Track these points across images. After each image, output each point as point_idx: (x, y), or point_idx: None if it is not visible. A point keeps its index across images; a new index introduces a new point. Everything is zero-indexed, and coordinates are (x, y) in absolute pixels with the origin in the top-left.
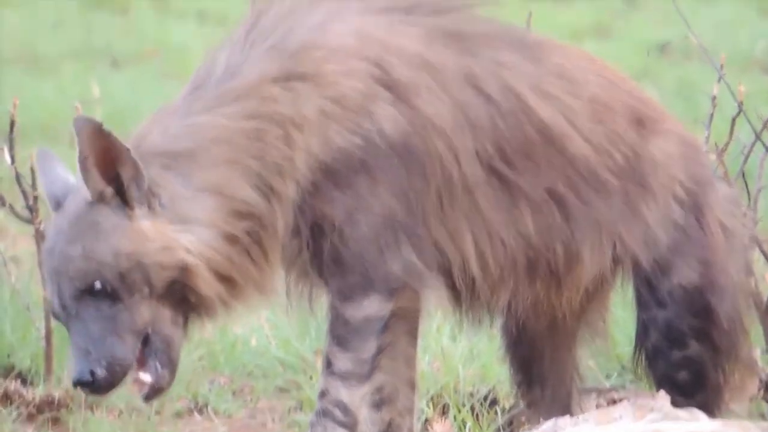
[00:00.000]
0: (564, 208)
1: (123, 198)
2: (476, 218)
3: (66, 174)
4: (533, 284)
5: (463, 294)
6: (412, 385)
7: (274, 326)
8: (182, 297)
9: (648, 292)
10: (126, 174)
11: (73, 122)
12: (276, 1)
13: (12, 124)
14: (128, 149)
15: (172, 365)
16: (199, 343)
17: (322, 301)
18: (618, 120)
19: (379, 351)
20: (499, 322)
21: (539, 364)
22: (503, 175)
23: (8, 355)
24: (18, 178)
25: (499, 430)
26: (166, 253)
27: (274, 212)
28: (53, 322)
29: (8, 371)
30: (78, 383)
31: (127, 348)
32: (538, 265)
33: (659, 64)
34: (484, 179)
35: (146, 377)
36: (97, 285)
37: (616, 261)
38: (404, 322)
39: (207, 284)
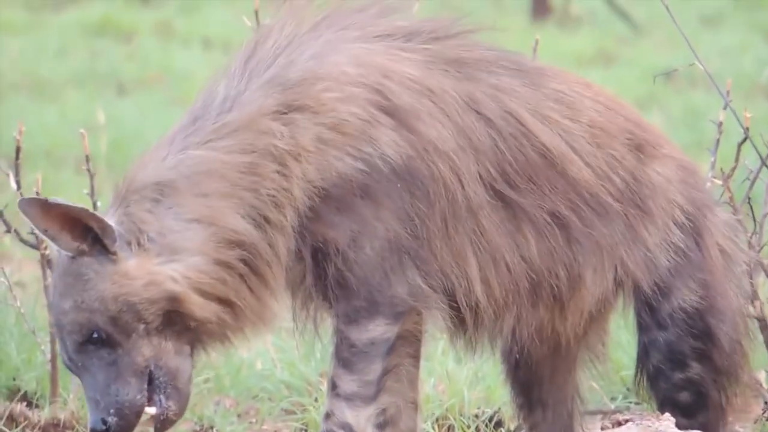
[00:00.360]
0: (567, 231)
1: (102, 244)
2: (480, 241)
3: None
4: (536, 309)
5: (468, 318)
6: (415, 406)
7: (279, 349)
8: (183, 326)
9: (648, 315)
10: (95, 227)
11: (18, 206)
12: (274, 30)
13: (17, 150)
14: (84, 209)
15: (179, 395)
16: (204, 366)
17: (328, 323)
18: (616, 145)
19: (385, 373)
20: (500, 347)
21: (539, 387)
22: (507, 198)
23: (14, 378)
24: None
25: None
26: (152, 288)
27: (271, 241)
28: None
29: (14, 394)
30: (94, 429)
31: (133, 390)
32: (541, 289)
33: (665, 91)
34: (487, 202)
35: (151, 410)
36: (95, 335)
37: (617, 284)
38: (408, 344)
39: (201, 308)
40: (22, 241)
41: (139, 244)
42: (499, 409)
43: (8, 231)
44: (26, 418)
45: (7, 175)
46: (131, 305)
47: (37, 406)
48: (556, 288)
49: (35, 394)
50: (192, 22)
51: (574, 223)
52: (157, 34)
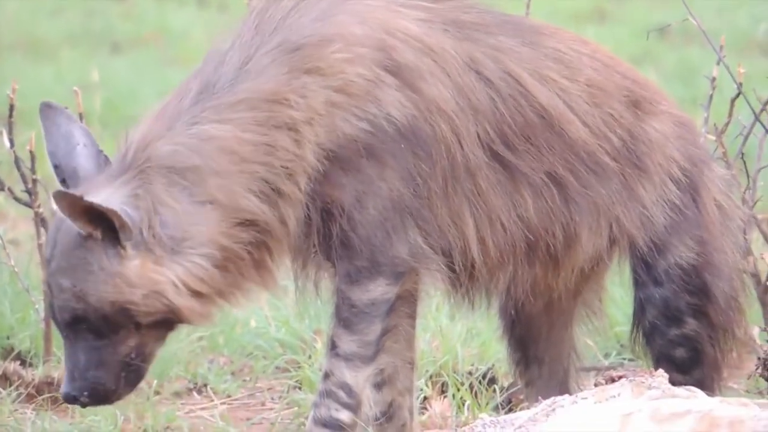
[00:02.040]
0: (563, 191)
1: (115, 233)
2: (477, 202)
3: (72, 136)
4: (532, 267)
5: (462, 277)
6: (412, 366)
7: (273, 307)
8: (175, 323)
9: (645, 271)
10: (116, 223)
11: (53, 196)
12: None
13: (11, 108)
14: (114, 210)
15: (139, 377)
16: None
17: (327, 284)
18: (614, 103)
19: (384, 333)
20: (496, 304)
21: (536, 343)
22: (504, 159)
23: (8, 337)
24: (17, 161)
25: (497, 408)
26: (151, 299)
27: (283, 216)
28: None
29: (7, 353)
30: (65, 400)
31: (110, 379)
32: (538, 248)
33: (659, 47)
34: (485, 163)
35: None
36: (81, 324)
37: (613, 241)
38: (406, 305)
39: (199, 314)
40: (16, 199)
41: (150, 228)
42: (493, 365)
43: (2, 189)
44: (20, 376)
45: (1, 133)
46: (127, 312)
47: (30, 364)
48: (552, 246)
49: (29, 352)
50: None
51: (570, 182)
52: None
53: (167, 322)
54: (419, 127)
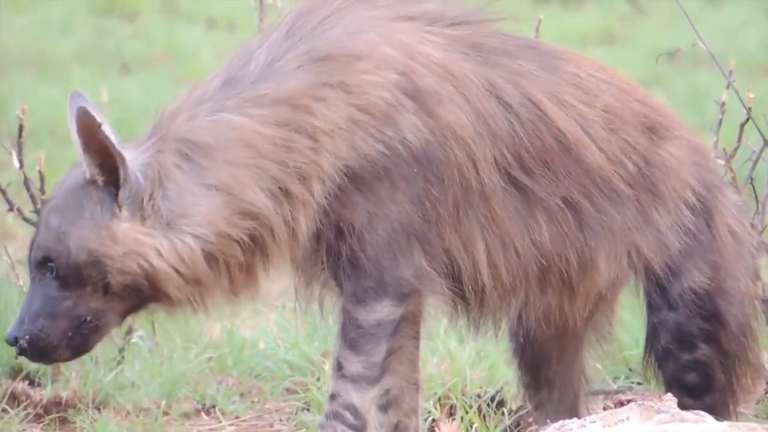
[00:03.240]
0: (579, 216)
1: (116, 189)
2: (491, 226)
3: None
4: (544, 293)
5: (472, 302)
6: (416, 387)
7: (282, 329)
8: (145, 295)
9: (659, 295)
10: (120, 174)
11: (76, 111)
12: (316, 3)
13: (20, 128)
14: (122, 155)
15: (82, 348)
16: (207, 345)
17: (331, 304)
18: (630, 129)
19: (389, 354)
20: (506, 327)
21: (547, 366)
22: (521, 183)
23: (16, 357)
24: (26, 182)
25: (506, 431)
26: (129, 259)
27: (288, 217)
28: None
29: (16, 372)
30: (6, 341)
31: (56, 334)
32: (551, 273)
33: (668, 71)
34: (501, 187)
35: None
36: (50, 265)
37: (630, 267)
38: (410, 326)
39: (177, 288)
40: (25, 219)
41: (151, 198)
42: (502, 388)
43: (11, 209)
44: (28, 396)
45: (10, 153)
46: (101, 266)
47: (39, 384)
48: (566, 273)
49: (37, 372)
50: (196, 0)
51: (586, 208)
52: (161, 13)
53: (136, 293)
54: (432, 152)
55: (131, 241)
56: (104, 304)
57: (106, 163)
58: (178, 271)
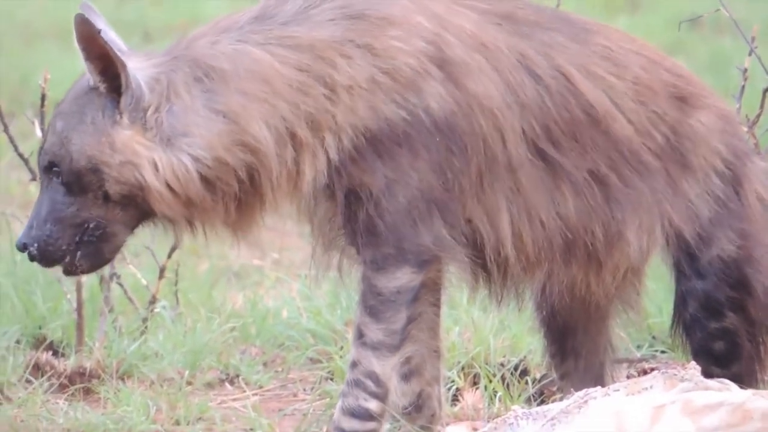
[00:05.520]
0: (605, 189)
1: (119, 97)
2: (516, 198)
3: (109, 33)
4: (569, 266)
5: (494, 274)
6: (438, 355)
7: (305, 298)
8: (143, 208)
9: (688, 264)
10: (122, 81)
11: (74, 18)
12: None
13: (43, 97)
14: (122, 61)
15: (97, 259)
16: (230, 315)
17: (352, 271)
18: (659, 100)
19: (410, 321)
20: (531, 297)
21: (573, 336)
22: (548, 156)
23: (40, 327)
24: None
25: (529, 400)
26: (125, 169)
27: (287, 160)
28: (84, 294)
29: (40, 342)
30: (17, 248)
31: (63, 240)
32: (576, 247)
33: (691, 38)
34: (528, 159)
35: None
36: (56, 170)
37: (661, 238)
38: (430, 293)
39: (167, 206)
40: None
41: (156, 111)
42: (525, 357)
43: (34, 179)
44: (52, 366)
45: (33, 123)
46: (99, 173)
47: (62, 354)
48: (591, 246)
49: (61, 342)
50: None
51: (613, 181)
52: None
53: (136, 204)
54: (457, 123)
55: (129, 150)
56: (106, 213)
57: (109, 70)
58: (170, 189)
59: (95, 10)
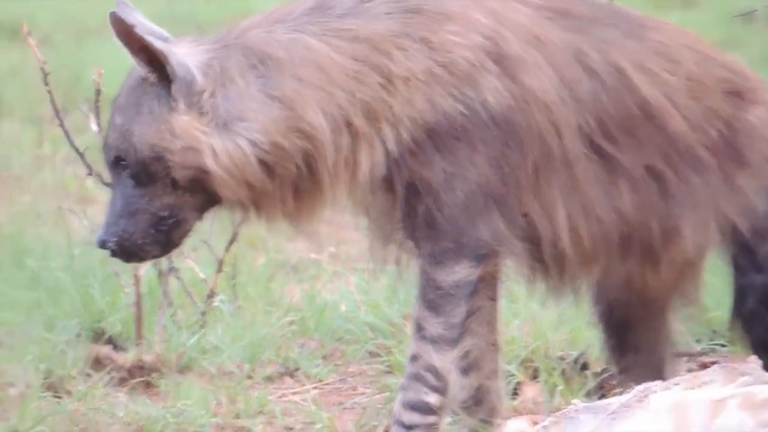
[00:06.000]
0: (661, 185)
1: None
2: (572, 193)
3: (148, 25)
4: (625, 261)
5: (551, 268)
6: (496, 348)
7: (363, 291)
8: (209, 192)
9: (746, 258)
10: (168, 69)
11: (109, 18)
12: None
13: (98, 92)
14: (161, 50)
15: (168, 243)
16: (288, 309)
17: (411, 265)
18: (714, 96)
19: (469, 315)
20: (587, 294)
21: (632, 330)
22: (604, 151)
23: (99, 321)
24: (103, 141)
25: (589, 394)
26: (188, 154)
27: (343, 148)
28: (143, 288)
29: (99, 336)
30: (97, 246)
31: (139, 232)
32: (632, 242)
33: (744, 33)
34: (584, 154)
35: None
36: (123, 163)
37: (717, 233)
38: (488, 287)
39: (230, 190)
40: (104, 183)
41: (212, 96)
42: (585, 351)
43: (90, 173)
44: (111, 360)
45: (88, 117)
46: (164, 161)
47: (122, 348)
48: (647, 241)
49: (120, 336)
50: None
51: (669, 177)
52: None
53: (203, 188)
54: (513, 117)
55: (189, 135)
56: (176, 199)
57: (155, 59)
58: (229, 173)
59: (129, 5)
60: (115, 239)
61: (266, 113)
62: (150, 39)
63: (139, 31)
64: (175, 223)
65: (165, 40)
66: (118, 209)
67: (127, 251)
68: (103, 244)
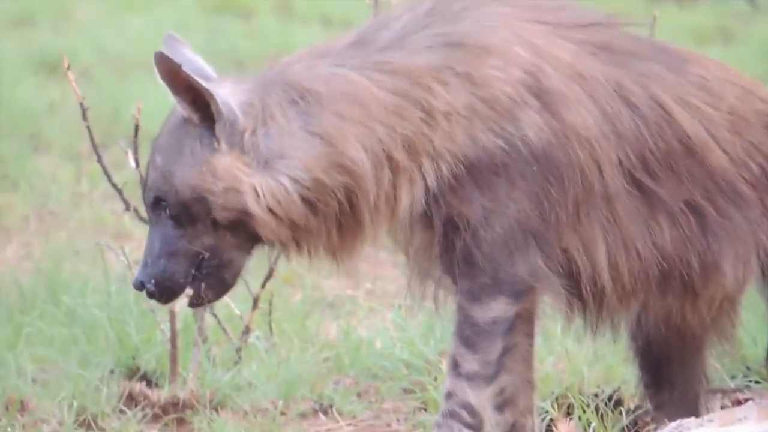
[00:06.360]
0: (701, 219)
1: (214, 125)
2: (613, 228)
3: (197, 61)
4: (665, 297)
5: (590, 304)
6: (531, 385)
7: (398, 328)
8: (251, 232)
9: None
10: (213, 109)
11: (154, 57)
12: None
13: (136, 128)
14: (208, 90)
15: (220, 286)
16: (323, 345)
17: (447, 301)
18: (755, 130)
19: (505, 352)
20: (626, 327)
21: (668, 366)
22: (644, 186)
23: (133, 357)
24: (143, 181)
25: (623, 430)
26: (231, 195)
27: (384, 183)
28: (178, 324)
29: (133, 373)
30: (134, 287)
31: (180, 273)
32: (672, 277)
33: None
34: (625, 189)
35: (189, 291)
36: (163, 204)
37: (757, 267)
38: (525, 324)
39: (272, 231)
40: (142, 219)
41: (252, 134)
42: (619, 388)
43: (127, 209)
44: (146, 397)
45: (126, 153)
46: (205, 202)
47: (156, 385)
48: (687, 276)
49: (155, 373)
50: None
51: (709, 211)
52: (276, 12)
53: (244, 228)
54: (553, 153)
55: (231, 176)
56: (217, 240)
57: (198, 99)
58: (273, 212)
59: (178, 38)
60: (154, 280)
61: (307, 150)
62: (196, 79)
63: (186, 70)
64: (219, 264)
65: (209, 78)
66: (157, 250)
67: (167, 292)
68: (140, 286)
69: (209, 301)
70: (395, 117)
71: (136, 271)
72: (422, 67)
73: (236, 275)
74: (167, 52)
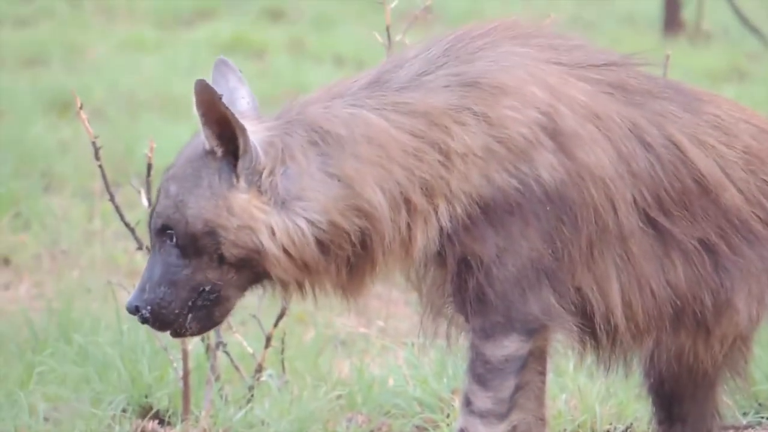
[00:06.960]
0: (715, 258)
1: (235, 160)
2: (626, 267)
3: (238, 90)
4: (678, 334)
5: (603, 341)
6: (543, 422)
7: (411, 366)
8: (258, 270)
9: None
10: (240, 145)
11: (195, 84)
12: (475, 29)
13: (149, 166)
14: (242, 127)
15: (208, 321)
16: (336, 383)
17: (459, 339)
18: None
19: (517, 390)
20: (638, 364)
21: (680, 403)
22: (659, 224)
23: (146, 396)
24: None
25: None
26: (243, 233)
27: (402, 226)
28: (191, 363)
29: (146, 411)
30: (127, 311)
31: (177, 303)
32: (684, 314)
33: None
34: (639, 228)
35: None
36: (170, 232)
37: None
38: (537, 361)
39: (283, 270)
40: None
41: (271, 174)
42: (632, 424)
43: (140, 248)
44: None
45: (139, 192)
46: (216, 236)
47: (169, 423)
48: (700, 314)
49: (167, 411)
50: (324, 38)
51: (723, 250)
52: (288, 51)
53: (251, 267)
54: (567, 193)
55: (247, 214)
56: (221, 275)
57: (225, 133)
58: (287, 253)
59: (230, 63)
60: (150, 307)
61: (325, 192)
62: (233, 113)
63: (225, 104)
64: (216, 299)
65: (243, 110)
66: (157, 277)
67: (162, 319)
68: (135, 310)
69: (191, 334)
70: (414, 159)
71: (132, 294)
72: (440, 108)
73: (226, 313)
74: (216, 76)
